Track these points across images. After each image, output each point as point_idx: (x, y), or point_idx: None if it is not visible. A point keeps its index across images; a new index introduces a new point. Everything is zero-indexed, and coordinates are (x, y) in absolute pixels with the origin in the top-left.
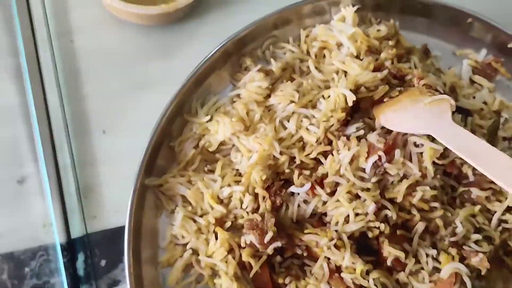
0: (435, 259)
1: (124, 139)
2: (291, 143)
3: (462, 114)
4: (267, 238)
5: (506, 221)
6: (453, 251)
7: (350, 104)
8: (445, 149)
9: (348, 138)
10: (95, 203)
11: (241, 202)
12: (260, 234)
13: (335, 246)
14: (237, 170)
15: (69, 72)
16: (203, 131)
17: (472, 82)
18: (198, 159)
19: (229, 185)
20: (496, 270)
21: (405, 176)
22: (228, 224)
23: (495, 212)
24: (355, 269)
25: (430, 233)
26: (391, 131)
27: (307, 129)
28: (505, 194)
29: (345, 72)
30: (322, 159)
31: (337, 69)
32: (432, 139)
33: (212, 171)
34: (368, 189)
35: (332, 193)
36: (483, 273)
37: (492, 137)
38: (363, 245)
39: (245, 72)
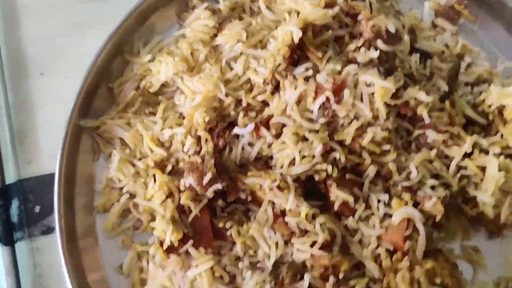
0: (388, 205)
1: (63, 81)
2: (238, 84)
3: (421, 56)
4: (206, 179)
5: (465, 168)
6: (407, 196)
7: (296, 40)
8: (398, 89)
9: (295, 78)
10: (31, 148)
11: (183, 145)
12: (199, 175)
13: (278, 187)
14: (181, 113)
15: (6, 12)
16: (145, 72)
17: (434, 25)
18: (138, 101)
19: (170, 127)
20: (456, 219)
21: (356, 118)
22: (169, 168)
23: (453, 158)
24: (300, 213)
25: (382, 178)
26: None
27: (255, 70)
28: (464, 139)
29: (298, 13)
30: (270, 102)
31: (290, 9)
32: (385, 77)
33: (153, 114)
34: (316, 131)
35: (278, 136)
36: (437, 218)
37: (452, 81)
38: (311, 191)
39: (192, 11)
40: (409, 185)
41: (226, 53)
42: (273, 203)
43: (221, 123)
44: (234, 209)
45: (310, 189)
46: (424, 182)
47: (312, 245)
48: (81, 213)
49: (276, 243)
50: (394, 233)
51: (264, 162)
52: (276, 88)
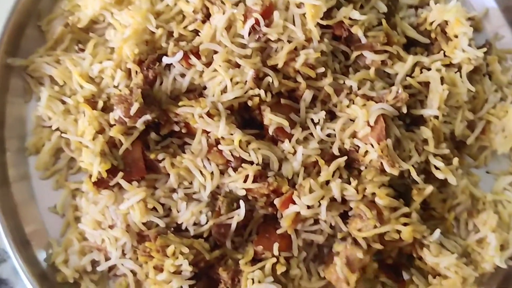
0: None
1: None
2: (170, 16)
3: None
4: (133, 109)
5: (408, 87)
6: (361, 101)
7: None
8: (331, 9)
9: (223, 2)
10: None
11: (113, 79)
12: (127, 107)
13: (209, 115)
14: (112, 48)
15: None
16: (73, 8)
17: None
18: (68, 38)
19: (100, 62)
20: None
21: (289, 42)
22: (101, 104)
23: (396, 75)
24: (233, 141)
25: (321, 102)
26: None
27: (186, 0)
28: (404, 58)
29: None
30: (201, 30)
31: None
32: None
33: (83, 50)
34: (248, 57)
35: (209, 64)
36: (404, 110)
37: (393, 3)
38: (248, 120)
39: None
40: (362, 92)
41: None
42: (208, 134)
43: (151, 55)
44: (170, 143)
45: (249, 120)
46: (373, 88)
47: (245, 181)
48: (13, 155)
49: (212, 173)
50: (375, 135)
51: (198, 94)
52: (208, 17)
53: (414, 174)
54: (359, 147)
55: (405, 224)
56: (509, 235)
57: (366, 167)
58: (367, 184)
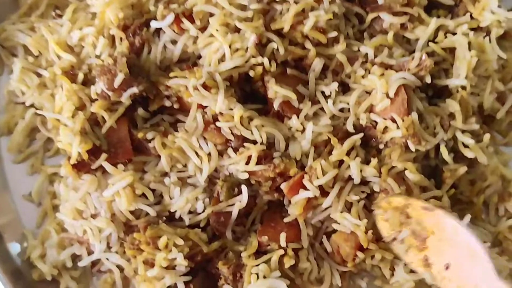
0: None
1: None
2: None
3: None
4: (117, 81)
5: (431, 54)
6: (379, 70)
7: None
8: None
9: None
10: None
11: (95, 48)
12: (111, 78)
13: (205, 86)
14: (94, 14)
15: None
16: None
17: None
18: (44, 3)
19: (80, 29)
20: None
21: (296, 3)
22: (81, 77)
23: (417, 40)
24: (233, 117)
25: (333, 72)
26: None
27: None
28: (426, 21)
29: None
30: None
31: None
32: None
33: (61, 17)
34: (249, 20)
35: (204, 29)
36: (428, 79)
37: None
38: (250, 94)
39: None
40: (380, 61)
41: None
42: (204, 109)
43: (138, 19)
44: (160, 120)
45: (250, 93)
46: (391, 55)
47: (248, 162)
48: None
49: (209, 154)
50: (394, 108)
51: (192, 64)
52: None
53: (445, 153)
54: (376, 122)
55: None
56: None
57: (385, 145)
58: (393, 163)
